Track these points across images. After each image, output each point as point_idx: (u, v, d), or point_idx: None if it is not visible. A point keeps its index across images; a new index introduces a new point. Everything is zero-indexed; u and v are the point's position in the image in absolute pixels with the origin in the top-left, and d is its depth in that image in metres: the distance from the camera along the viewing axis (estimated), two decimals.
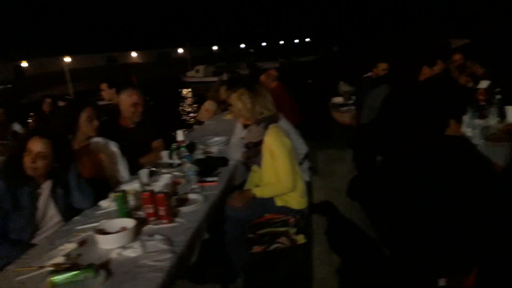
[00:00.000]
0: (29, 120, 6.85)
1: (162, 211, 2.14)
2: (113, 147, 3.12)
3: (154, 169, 3.14)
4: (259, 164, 2.89)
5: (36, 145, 2.30)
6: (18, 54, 36.31)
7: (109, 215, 2.33)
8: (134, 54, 52.33)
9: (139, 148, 3.57)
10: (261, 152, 2.83)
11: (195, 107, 22.18)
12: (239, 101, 2.85)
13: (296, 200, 2.86)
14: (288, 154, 2.77)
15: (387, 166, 2.65)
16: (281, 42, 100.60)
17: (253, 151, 2.91)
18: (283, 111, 5.13)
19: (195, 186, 2.65)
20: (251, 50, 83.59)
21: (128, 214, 2.23)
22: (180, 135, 3.58)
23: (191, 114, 18.90)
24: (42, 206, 2.39)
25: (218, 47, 77.57)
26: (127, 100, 3.58)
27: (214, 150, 3.70)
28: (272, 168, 2.80)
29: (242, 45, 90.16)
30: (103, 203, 2.51)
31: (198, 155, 3.52)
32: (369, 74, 6.06)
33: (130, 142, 3.40)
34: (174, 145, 3.49)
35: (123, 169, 3.15)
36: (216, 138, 4.06)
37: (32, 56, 37.06)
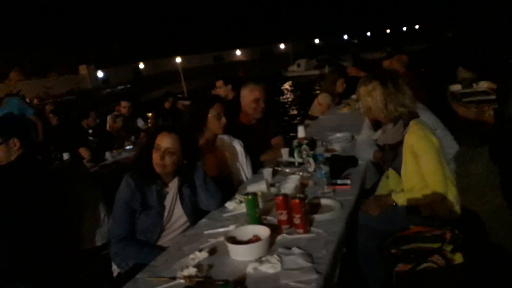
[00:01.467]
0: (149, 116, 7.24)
1: (297, 219, 1.87)
2: (238, 144, 2.96)
3: (277, 168, 2.91)
4: (397, 168, 2.47)
5: (165, 141, 2.20)
6: (135, 56, 39.81)
7: (237, 219, 2.14)
8: (238, 52, 53.99)
9: (259, 146, 3.39)
10: (400, 154, 2.41)
11: (297, 101, 21.83)
12: (368, 97, 2.42)
13: (446, 209, 2.38)
14: (436, 154, 2.30)
15: None
16: (388, 30, 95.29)
17: (390, 153, 2.49)
18: None
19: (327, 189, 2.34)
20: (355, 41, 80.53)
21: (259, 219, 2.02)
22: (301, 131, 3.31)
23: (294, 108, 18.56)
24: (169, 206, 2.30)
25: (319, 40, 76.30)
26: (249, 96, 3.41)
27: (337, 148, 3.35)
28: (416, 172, 2.36)
29: (345, 36, 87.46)
30: (230, 205, 2.34)
31: (322, 152, 3.22)
32: None
33: (251, 139, 3.22)
34: (295, 142, 3.23)
35: (246, 168, 2.98)
36: (338, 135, 3.71)
37: (147, 57, 40.35)
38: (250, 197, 2.00)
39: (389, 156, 2.49)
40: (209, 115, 2.85)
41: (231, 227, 2.02)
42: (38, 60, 33.94)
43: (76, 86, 30.00)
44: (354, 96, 6.18)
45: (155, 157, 2.21)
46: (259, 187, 2.43)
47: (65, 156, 3.64)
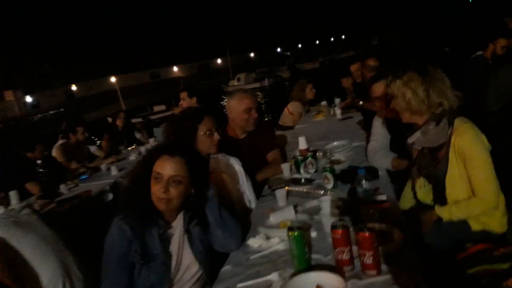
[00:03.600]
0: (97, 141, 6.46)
1: (368, 257, 1.41)
2: (236, 163, 2.46)
3: (290, 188, 2.44)
4: (438, 176, 2.10)
5: (167, 167, 1.66)
6: (67, 78, 37.56)
7: (275, 262, 1.63)
8: (175, 68, 53.01)
9: (253, 163, 2.90)
10: (443, 159, 2.05)
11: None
12: (407, 89, 2.05)
13: (497, 221, 2.05)
14: (489, 158, 1.97)
15: None
16: (317, 42, 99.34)
17: (429, 158, 2.13)
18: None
19: (370, 210, 1.91)
20: (288, 53, 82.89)
21: (309, 261, 1.54)
22: (303, 142, 2.89)
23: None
24: (176, 252, 1.75)
25: (255, 53, 77.60)
26: (238, 106, 2.94)
27: (343, 158, 2.95)
28: (464, 179, 2.01)
29: (278, 49, 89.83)
30: (253, 242, 1.82)
31: (325, 165, 2.81)
32: (479, 53, 5.09)
33: (242, 155, 2.73)
34: (298, 155, 2.80)
35: (249, 191, 2.48)
36: (336, 143, 3.32)
37: (79, 79, 38.25)
38: (296, 232, 1.51)
39: (428, 162, 2.12)
40: (199, 133, 2.36)
41: (274, 276, 1.51)
42: None
43: (2, 114, 27.45)
44: (324, 103, 5.94)
45: (156, 189, 1.65)
46: (285, 215, 1.96)
47: (13, 196, 2.85)
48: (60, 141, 4.78)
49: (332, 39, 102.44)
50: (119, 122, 5.77)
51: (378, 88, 2.69)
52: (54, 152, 4.58)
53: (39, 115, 27.87)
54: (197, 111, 2.53)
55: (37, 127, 22.08)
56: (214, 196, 1.82)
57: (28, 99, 31.82)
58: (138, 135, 5.99)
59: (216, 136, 2.40)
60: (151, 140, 5.40)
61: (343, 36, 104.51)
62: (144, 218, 1.67)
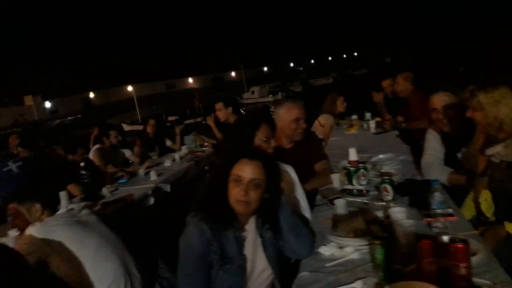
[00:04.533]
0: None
1: (462, 269, 1.39)
2: (292, 171, 2.45)
3: (349, 198, 2.43)
4: (509, 190, 2.07)
5: (248, 171, 1.67)
6: (85, 86, 38.13)
7: (354, 272, 1.61)
8: (190, 80, 53.61)
9: (298, 172, 2.89)
10: None
11: None
12: (499, 106, 2.02)
13: None
14: None
15: None
16: (329, 58, 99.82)
17: (506, 172, 2.09)
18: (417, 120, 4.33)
19: (441, 223, 1.88)
20: (300, 68, 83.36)
21: (393, 270, 1.52)
22: (353, 154, 2.88)
23: None
24: (251, 256, 1.74)
25: (268, 67, 78.14)
26: (286, 116, 2.94)
27: (392, 170, 2.93)
28: None
29: (291, 64, 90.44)
30: (325, 250, 1.81)
31: (374, 178, 2.80)
32: None
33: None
34: (349, 167, 2.79)
35: (302, 200, 2.47)
36: (382, 156, 3.31)
37: (97, 87, 38.79)
38: (382, 241, 1.50)
39: (501, 176, 2.09)
40: (256, 140, 2.36)
41: (359, 285, 1.50)
42: None
43: (21, 118, 27.89)
44: (355, 116, 5.93)
45: (236, 192, 1.66)
46: (354, 224, 1.94)
47: (62, 197, 2.84)
48: (97, 145, 4.83)
49: (344, 55, 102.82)
50: (149, 129, 5.83)
51: (437, 100, 2.68)
52: (92, 156, 4.63)
53: (57, 121, 28.27)
54: (254, 118, 2.53)
55: (55, 132, 22.35)
56: (286, 202, 1.81)
57: (47, 104, 32.33)
58: (168, 143, 6.04)
59: (272, 143, 2.40)
60: (183, 148, 5.44)
61: (355, 53, 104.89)
62: (222, 220, 1.67)
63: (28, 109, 30.53)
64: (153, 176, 4.05)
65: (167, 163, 4.74)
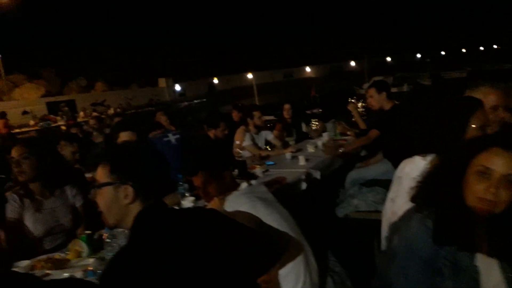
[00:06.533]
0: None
1: None
2: None
3: None
4: None
5: (500, 163, 1.30)
6: (210, 72, 40.54)
7: None
8: (308, 69, 53.36)
9: None
10: None
11: None
12: None
13: None
14: None
15: None
16: (463, 50, 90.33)
17: None
18: None
19: None
20: (428, 60, 77.05)
21: None
22: None
23: None
24: (484, 268, 1.38)
25: (391, 57, 73.95)
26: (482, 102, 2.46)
27: None
28: None
29: (418, 55, 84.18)
30: None
31: None
32: None
33: None
34: None
35: None
36: None
37: (221, 73, 40.93)
38: None
39: None
40: (470, 126, 1.95)
41: None
42: (121, 72, 35.48)
43: (155, 98, 30.81)
44: None
45: (481, 188, 1.30)
46: None
47: None
48: (242, 126, 4.84)
49: (482, 48, 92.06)
50: (285, 114, 5.74)
51: None
52: (237, 136, 4.65)
53: (185, 103, 30.59)
54: (470, 100, 2.13)
55: (183, 113, 24.14)
56: None
57: (177, 87, 35.13)
58: (304, 128, 5.88)
59: (489, 132, 1.97)
60: (324, 135, 5.20)
61: (494, 46, 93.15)
62: (454, 220, 1.34)
63: (161, 90, 33.57)
64: (301, 161, 3.89)
65: (311, 148, 4.55)
